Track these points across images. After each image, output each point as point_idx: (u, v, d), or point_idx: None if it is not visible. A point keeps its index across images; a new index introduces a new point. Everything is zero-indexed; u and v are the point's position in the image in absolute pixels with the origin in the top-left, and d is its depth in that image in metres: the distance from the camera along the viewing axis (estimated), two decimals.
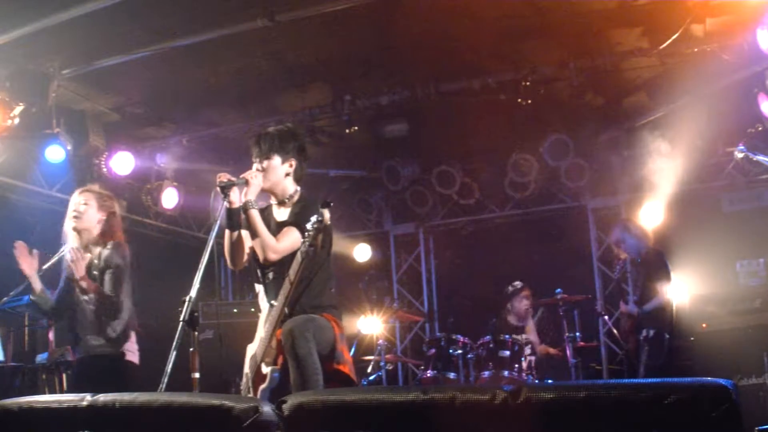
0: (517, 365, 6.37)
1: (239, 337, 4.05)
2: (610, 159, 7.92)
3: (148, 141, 7.76)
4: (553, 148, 7.66)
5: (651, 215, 7.12)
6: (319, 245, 3.49)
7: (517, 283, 7.23)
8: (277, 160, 3.85)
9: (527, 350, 6.53)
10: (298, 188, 3.94)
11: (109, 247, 4.42)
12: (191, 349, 3.21)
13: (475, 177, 8.62)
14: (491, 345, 6.53)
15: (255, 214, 3.70)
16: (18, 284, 4.71)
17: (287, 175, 3.89)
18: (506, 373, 6.34)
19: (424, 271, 9.37)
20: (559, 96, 6.85)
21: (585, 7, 5.56)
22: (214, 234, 3.50)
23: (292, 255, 3.66)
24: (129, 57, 5.80)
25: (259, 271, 3.91)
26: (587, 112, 7.43)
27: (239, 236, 3.80)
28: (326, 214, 3.43)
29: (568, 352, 6.62)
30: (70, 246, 4.37)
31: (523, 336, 6.78)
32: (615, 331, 6.94)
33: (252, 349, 3.90)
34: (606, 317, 7.27)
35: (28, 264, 4.34)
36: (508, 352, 6.44)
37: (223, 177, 3.66)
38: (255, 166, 3.86)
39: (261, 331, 3.83)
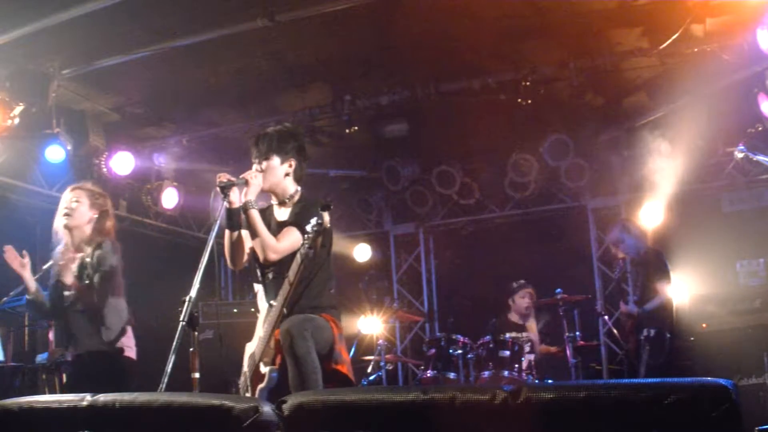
0: (517, 365, 6.37)
1: (239, 337, 4.05)
2: (610, 159, 7.92)
3: (148, 141, 7.76)
4: (553, 148, 7.66)
5: (651, 215, 7.12)
6: (318, 247, 3.50)
7: (522, 281, 7.23)
8: (276, 160, 3.86)
9: (527, 349, 6.52)
10: (299, 188, 3.95)
11: (104, 247, 4.35)
12: (191, 349, 3.21)
13: (475, 177, 8.62)
14: (491, 345, 6.52)
15: (255, 214, 3.70)
16: (18, 284, 4.71)
17: (287, 175, 3.89)
18: (506, 373, 6.34)
19: (424, 271, 9.37)
20: (559, 96, 6.85)
21: (585, 7, 5.56)
22: (214, 234, 3.50)
23: (291, 255, 3.67)
24: (129, 57, 5.80)
25: (258, 271, 3.92)
26: (587, 112, 7.43)
27: (239, 236, 3.81)
28: (326, 216, 3.44)
29: (568, 352, 6.62)
30: (61, 246, 4.36)
31: (524, 334, 6.78)
32: (615, 331, 6.94)
33: (250, 347, 3.91)
34: (606, 317, 7.27)
35: (19, 264, 4.32)
36: (508, 352, 6.44)
37: (223, 177, 3.66)
38: (254, 166, 3.86)
39: (260, 331, 3.83)
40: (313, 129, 7.40)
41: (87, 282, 4.28)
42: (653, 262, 6.19)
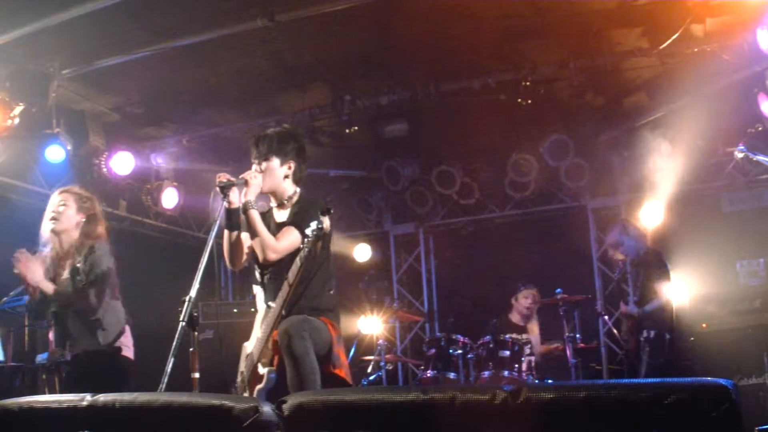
0: (517, 365, 6.37)
1: (239, 337, 4.05)
2: (610, 159, 7.92)
3: (148, 141, 7.76)
4: (553, 148, 7.66)
5: (651, 215, 7.12)
6: (318, 251, 3.50)
7: (527, 282, 7.23)
8: (275, 161, 3.86)
9: (527, 351, 6.52)
10: (298, 189, 3.95)
11: (97, 250, 4.30)
12: (191, 349, 3.21)
13: (475, 177, 8.62)
14: (491, 345, 6.52)
15: (255, 214, 3.70)
16: (18, 284, 4.70)
17: (286, 177, 3.89)
18: (506, 373, 6.34)
19: (424, 271, 9.37)
20: (559, 96, 6.85)
21: (585, 7, 5.56)
22: (213, 234, 3.51)
23: (290, 256, 3.67)
24: (129, 57, 5.80)
25: (257, 272, 3.92)
26: (587, 112, 7.43)
27: (238, 236, 3.81)
28: (326, 221, 3.44)
29: (568, 352, 6.62)
30: (49, 250, 4.32)
31: (524, 336, 6.77)
32: (615, 331, 6.94)
33: (247, 348, 3.90)
34: (606, 317, 7.27)
35: (32, 272, 4.20)
36: (508, 352, 6.44)
37: (223, 177, 3.66)
38: (254, 167, 3.86)
39: (258, 331, 3.83)
40: (313, 129, 7.40)
41: (81, 287, 4.24)
42: (653, 262, 6.19)
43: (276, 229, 3.82)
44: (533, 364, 6.53)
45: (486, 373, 6.41)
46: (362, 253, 9.21)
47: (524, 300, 7.13)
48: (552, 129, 7.62)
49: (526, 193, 8.30)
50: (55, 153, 6.40)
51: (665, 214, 7.17)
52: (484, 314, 7.39)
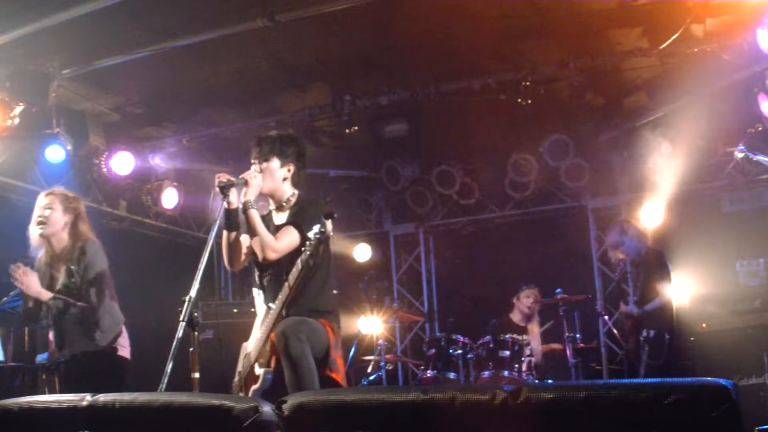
0: (517, 365, 6.37)
1: (239, 337, 4.06)
2: (610, 159, 7.92)
3: (148, 141, 7.76)
4: (553, 148, 7.66)
5: (651, 215, 7.12)
6: (319, 255, 3.50)
7: (531, 283, 7.23)
8: (276, 162, 3.86)
9: (527, 351, 6.52)
10: (296, 192, 3.95)
11: (88, 251, 4.28)
12: (191, 349, 3.21)
13: (475, 177, 8.62)
14: (491, 345, 6.52)
15: (254, 214, 3.70)
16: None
17: (285, 179, 3.90)
18: (506, 373, 6.34)
19: (424, 271, 9.37)
20: (559, 96, 6.85)
21: (585, 7, 5.56)
22: (213, 234, 3.51)
23: (289, 257, 3.67)
24: (129, 57, 5.80)
25: (257, 274, 3.92)
26: (587, 112, 7.43)
27: (237, 237, 3.82)
28: (329, 225, 3.43)
29: (568, 352, 6.62)
30: (42, 255, 4.30)
31: (524, 336, 6.77)
32: (615, 331, 6.94)
33: (246, 347, 3.90)
34: (606, 317, 7.27)
35: (30, 284, 4.19)
36: (508, 352, 6.44)
37: (223, 177, 3.66)
38: (253, 167, 3.86)
39: (257, 332, 3.83)
40: (313, 129, 7.40)
41: (78, 288, 4.22)
42: (654, 262, 6.18)
43: (275, 231, 3.82)
44: (533, 364, 6.53)
45: (486, 373, 6.41)
46: (362, 253, 9.21)
47: (526, 299, 7.13)
48: (552, 129, 7.62)
49: (526, 193, 8.30)
50: (55, 153, 6.40)
51: (665, 214, 7.17)
52: (484, 314, 7.39)
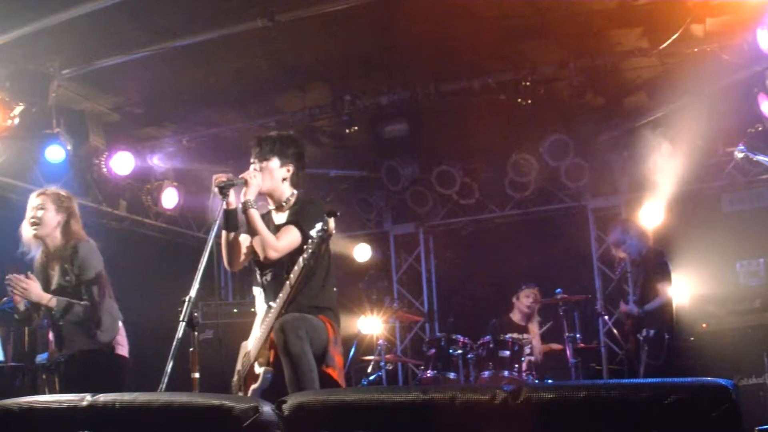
0: (517, 365, 6.37)
1: (239, 337, 4.05)
2: (610, 159, 7.93)
3: (148, 141, 7.76)
4: (553, 148, 7.66)
5: (651, 215, 7.12)
6: (321, 252, 3.50)
7: (531, 283, 7.23)
8: (275, 162, 3.86)
9: (527, 351, 6.52)
10: (295, 192, 3.95)
11: (80, 251, 4.25)
12: (191, 349, 3.21)
13: (475, 177, 8.62)
14: (491, 345, 6.52)
15: (254, 214, 3.70)
16: None
17: (284, 179, 3.90)
18: (506, 373, 6.34)
19: (424, 271, 9.37)
20: (559, 96, 6.85)
21: (585, 7, 5.57)
22: (213, 234, 3.51)
23: (290, 256, 3.67)
24: (129, 57, 5.80)
25: (258, 273, 3.92)
26: (587, 112, 7.43)
27: (236, 237, 3.82)
28: (331, 223, 3.43)
29: (568, 352, 6.62)
30: (38, 256, 4.28)
31: (524, 336, 6.77)
32: (615, 331, 6.94)
33: (246, 347, 3.90)
34: (606, 317, 7.27)
35: (32, 291, 4.13)
36: (508, 352, 6.44)
37: (221, 177, 3.66)
38: (252, 166, 3.86)
39: (257, 331, 3.83)
40: (313, 129, 7.40)
41: (73, 287, 4.20)
42: (654, 262, 6.18)
43: (275, 231, 3.82)
44: (533, 364, 6.53)
45: (486, 373, 6.41)
46: (362, 253, 9.21)
47: (525, 299, 7.13)
48: (552, 129, 7.62)
49: (526, 193, 8.31)
50: (55, 153, 6.40)
51: (665, 214, 7.17)
52: (484, 314, 7.39)
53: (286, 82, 6.72)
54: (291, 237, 3.69)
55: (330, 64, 6.42)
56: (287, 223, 3.79)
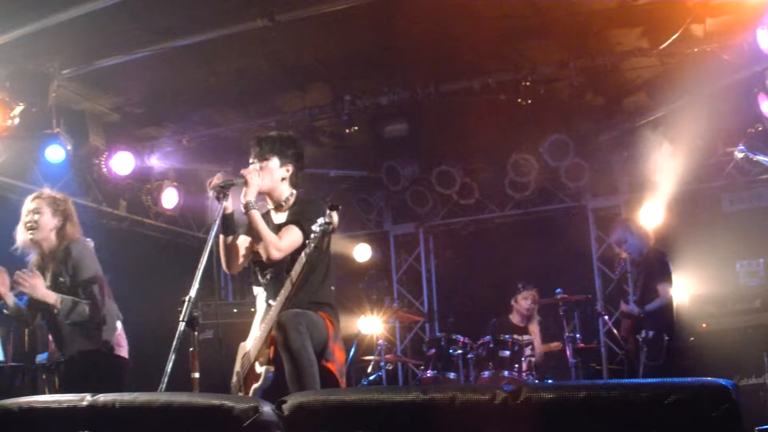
0: (517, 365, 6.37)
1: (239, 337, 4.05)
2: (610, 159, 7.93)
3: (148, 141, 7.76)
4: (553, 148, 7.66)
5: (651, 215, 7.12)
6: (324, 248, 3.50)
7: (527, 283, 7.22)
8: (275, 162, 3.86)
9: (528, 352, 6.52)
10: (294, 192, 3.95)
11: (73, 253, 4.24)
12: (191, 349, 3.21)
13: (475, 177, 8.62)
14: (491, 345, 6.52)
15: (256, 215, 3.69)
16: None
17: (283, 179, 3.90)
18: (506, 373, 6.34)
19: (424, 271, 9.37)
20: (559, 96, 6.85)
21: (585, 7, 5.57)
22: (213, 234, 3.51)
23: (291, 255, 3.68)
24: (129, 57, 5.80)
25: (258, 272, 3.92)
26: (587, 112, 7.43)
27: (234, 240, 3.83)
28: (335, 216, 3.43)
29: (568, 352, 6.62)
30: (33, 259, 4.28)
31: (525, 337, 6.77)
32: (615, 331, 6.94)
33: (244, 348, 3.90)
34: (606, 317, 7.26)
35: (37, 287, 4.15)
36: (508, 352, 6.44)
37: (219, 179, 3.66)
38: (252, 166, 3.87)
39: (256, 330, 3.83)
40: (313, 129, 7.40)
41: (69, 290, 4.20)
42: (655, 262, 6.17)
43: (275, 231, 3.82)
44: (533, 364, 6.52)
45: (486, 373, 6.41)
46: (362, 253, 9.21)
47: (524, 301, 7.12)
48: (552, 129, 7.62)
49: (526, 193, 8.31)
50: (55, 153, 6.40)
51: (665, 214, 7.17)
52: (484, 314, 7.40)
53: (286, 82, 6.72)
54: (293, 237, 3.69)
55: (330, 64, 6.42)
56: (288, 222, 3.79)
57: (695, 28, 5.77)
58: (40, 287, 4.14)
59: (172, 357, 3.10)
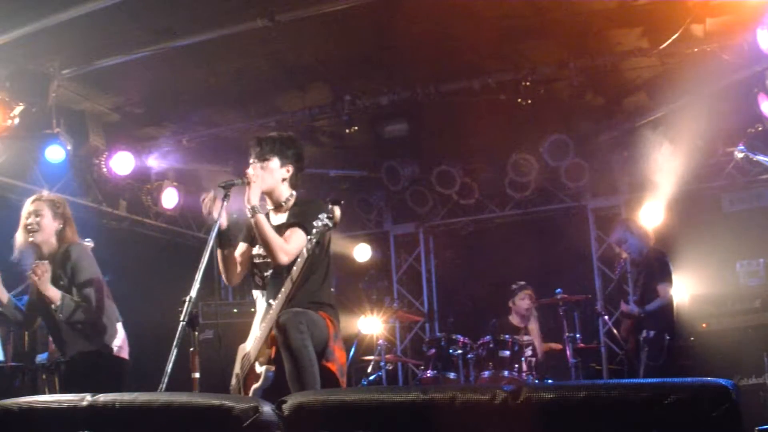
0: (517, 365, 6.37)
1: (239, 337, 4.05)
2: (610, 159, 7.92)
3: (148, 141, 7.76)
4: (553, 148, 7.66)
5: (651, 215, 7.12)
6: (325, 244, 3.49)
7: (521, 283, 7.22)
8: (275, 162, 3.86)
9: (527, 351, 6.52)
10: (294, 192, 3.95)
11: (72, 255, 4.25)
12: (191, 349, 3.21)
13: (475, 177, 8.61)
14: (491, 345, 6.52)
15: (262, 219, 3.66)
16: (16, 284, 4.70)
17: (284, 179, 3.90)
18: (506, 373, 6.34)
19: (424, 271, 9.37)
20: (559, 96, 6.85)
21: (585, 7, 5.57)
22: (213, 234, 3.51)
23: None
24: (129, 57, 5.80)
25: (257, 273, 3.92)
26: (587, 112, 7.43)
27: (230, 253, 3.87)
28: (337, 211, 3.42)
29: (568, 352, 6.62)
30: (35, 261, 4.29)
31: (525, 337, 6.77)
32: (615, 331, 6.94)
33: (244, 349, 3.90)
34: (606, 317, 7.26)
35: (44, 280, 4.13)
36: (508, 352, 6.44)
37: (211, 199, 3.69)
38: (252, 166, 3.86)
39: (256, 330, 3.83)
40: (313, 129, 7.40)
41: (68, 292, 4.20)
42: (655, 262, 6.17)
43: (275, 231, 3.82)
44: (533, 364, 6.52)
45: (486, 373, 6.41)
46: (362, 253, 9.21)
47: (521, 302, 7.11)
48: (552, 129, 7.62)
49: (526, 193, 8.31)
50: (55, 153, 6.40)
51: (665, 214, 7.17)
52: (484, 314, 7.40)
53: (286, 82, 6.72)
54: (299, 240, 3.65)
55: (330, 64, 6.42)
56: (290, 224, 3.78)
57: (695, 28, 5.77)
58: (47, 280, 4.14)
59: (172, 357, 3.11)
